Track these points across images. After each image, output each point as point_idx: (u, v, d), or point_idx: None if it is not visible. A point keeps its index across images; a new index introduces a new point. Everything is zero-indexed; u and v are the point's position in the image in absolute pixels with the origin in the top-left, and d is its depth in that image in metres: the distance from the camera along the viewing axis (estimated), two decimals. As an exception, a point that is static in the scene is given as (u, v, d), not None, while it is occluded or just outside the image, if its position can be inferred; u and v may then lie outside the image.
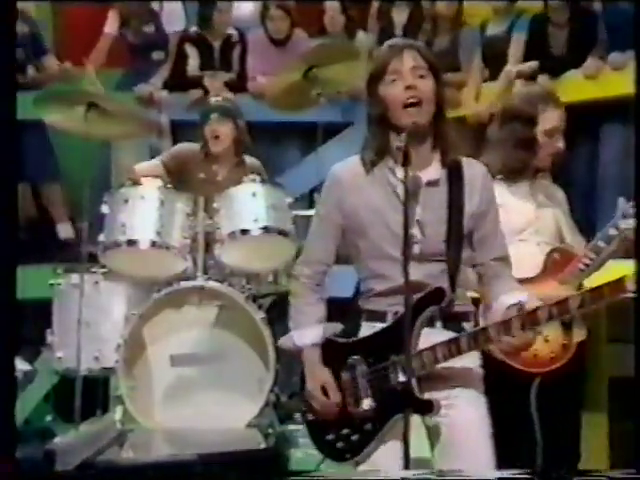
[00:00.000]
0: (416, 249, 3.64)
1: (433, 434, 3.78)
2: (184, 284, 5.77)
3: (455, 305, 3.73)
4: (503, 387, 5.20)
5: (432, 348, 3.63)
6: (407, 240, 3.45)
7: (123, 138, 6.89)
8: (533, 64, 7.30)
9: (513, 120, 5.14)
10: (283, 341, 3.97)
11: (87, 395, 5.96)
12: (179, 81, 8.01)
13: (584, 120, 6.85)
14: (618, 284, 3.72)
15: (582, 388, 5.53)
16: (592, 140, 7.07)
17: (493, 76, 7.49)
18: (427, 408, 3.62)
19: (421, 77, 3.67)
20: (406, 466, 3.42)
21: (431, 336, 3.66)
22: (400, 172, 3.60)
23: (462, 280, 3.80)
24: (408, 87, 3.63)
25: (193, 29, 8.18)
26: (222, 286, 5.76)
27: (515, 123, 5.12)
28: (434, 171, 3.73)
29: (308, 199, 6.74)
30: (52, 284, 6.23)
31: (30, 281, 6.71)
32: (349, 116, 7.84)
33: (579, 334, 5.08)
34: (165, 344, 5.75)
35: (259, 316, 5.71)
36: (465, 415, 3.76)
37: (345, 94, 7.73)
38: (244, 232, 5.73)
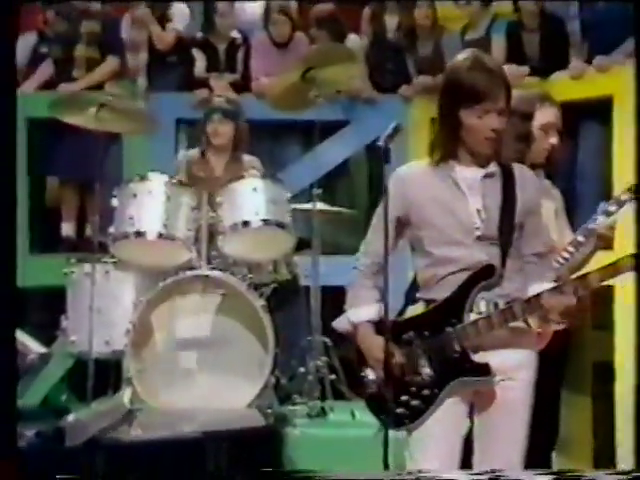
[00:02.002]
0: (477, 232, 3.79)
1: (477, 405, 3.92)
2: (189, 273, 5.86)
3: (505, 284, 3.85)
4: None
5: (488, 316, 3.78)
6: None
7: (130, 134, 6.94)
8: (524, 69, 7.36)
9: (511, 116, 5.23)
10: (337, 322, 4.08)
11: (101, 376, 6.08)
12: (186, 82, 8.04)
13: (568, 119, 6.90)
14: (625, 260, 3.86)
15: (561, 373, 5.57)
16: (573, 138, 7.10)
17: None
18: (484, 371, 3.77)
19: (502, 115, 3.86)
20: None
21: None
22: (460, 169, 3.85)
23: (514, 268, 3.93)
24: (495, 130, 3.82)
25: (199, 34, 8.24)
26: (224, 275, 5.85)
27: (513, 118, 5.18)
28: (491, 167, 3.89)
29: (307, 194, 6.76)
30: (66, 273, 6.29)
31: (46, 270, 6.83)
32: (347, 115, 7.85)
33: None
34: (171, 329, 5.84)
35: (259, 303, 5.80)
36: (523, 385, 3.94)
37: (343, 94, 7.74)
38: (245, 224, 5.82)
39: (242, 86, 8.04)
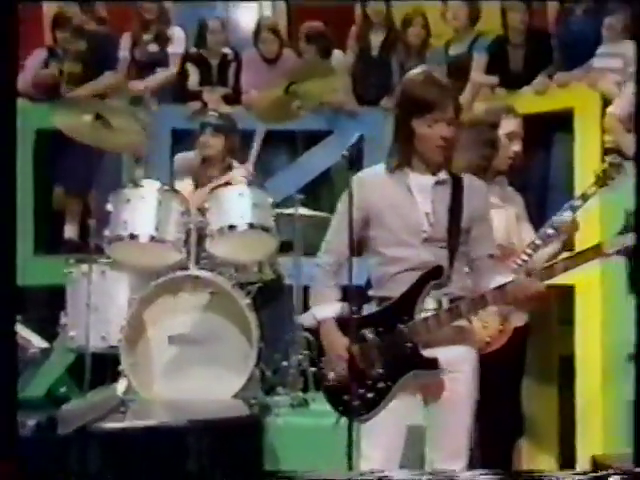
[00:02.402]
0: (424, 235, 3.85)
1: (427, 396, 3.97)
2: (179, 273, 5.85)
3: (453, 284, 3.91)
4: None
5: (436, 314, 3.84)
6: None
7: (121, 150, 6.93)
8: (493, 79, 7.38)
9: (478, 125, 5.27)
10: (304, 318, 4.13)
11: (100, 369, 6.11)
12: (180, 95, 8.05)
13: (536, 130, 6.92)
14: (598, 248, 3.95)
15: (521, 367, 5.55)
16: (543, 148, 7.12)
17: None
18: (432, 365, 3.83)
19: (451, 124, 3.88)
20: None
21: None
22: (414, 176, 3.90)
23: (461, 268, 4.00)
24: (444, 138, 3.85)
25: (193, 49, 8.23)
26: (212, 275, 5.85)
27: (480, 127, 5.23)
28: (442, 175, 3.94)
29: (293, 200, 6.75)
30: (65, 273, 6.30)
31: (49, 270, 6.82)
32: (330, 126, 7.84)
33: (517, 320, 5.17)
34: (163, 325, 5.82)
35: (245, 302, 5.80)
36: (466, 378, 4.00)
37: (327, 106, 7.74)
38: (232, 228, 5.80)
39: (233, 99, 8.04)
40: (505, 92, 7.28)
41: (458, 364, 3.93)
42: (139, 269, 6.07)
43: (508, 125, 5.15)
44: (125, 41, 8.13)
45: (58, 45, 8.11)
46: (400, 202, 3.86)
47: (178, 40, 8.15)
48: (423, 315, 3.83)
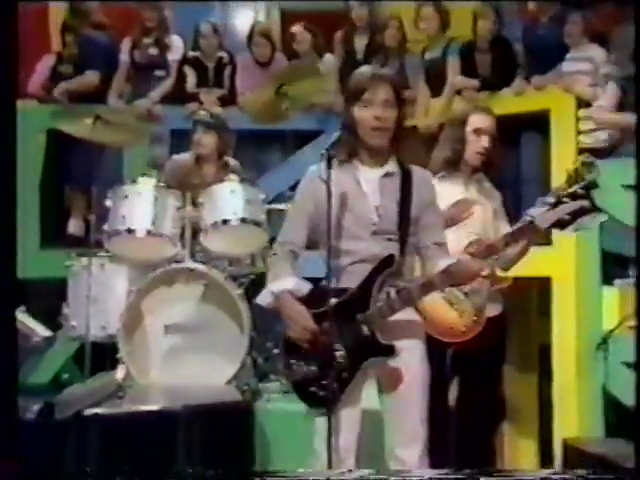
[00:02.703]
0: (374, 228, 3.84)
1: (384, 383, 3.96)
2: (175, 266, 5.84)
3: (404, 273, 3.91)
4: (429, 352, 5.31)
5: (389, 301, 3.82)
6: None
7: (123, 145, 6.93)
8: (474, 82, 7.38)
9: (452, 124, 5.29)
10: (260, 298, 4.08)
11: (101, 357, 6.12)
12: (179, 96, 8.02)
13: (512, 130, 6.92)
14: (532, 224, 4.00)
15: (497, 355, 5.56)
16: (518, 146, 7.12)
17: (435, 93, 7.54)
18: (390, 351, 3.81)
19: (389, 107, 3.86)
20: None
21: None
22: (363, 169, 3.90)
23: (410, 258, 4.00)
24: (376, 117, 3.82)
25: (191, 53, 8.20)
26: (206, 267, 5.83)
27: (452, 125, 5.26)
28: (390, 167, 3.93)
29: (286, 196, 6.74)
30: (67, 266, 6.28)
31: (53, 263, 6.80)
32: (321, 125, 7.82)
33: (492, 310, 5.17)
34: (159, 315, 5.81)
35: (236, 292, 5.78)
36: (412, 364, 3.96)
37: (318, 107, 7.76)
38: (225, 222, 5.79)
39: (229, 100, 8.03)
40: (486, 94, 7.26)
41: (409, 355, 3.91)
42: (137, 262, 6.04)
43: (475, 122, 5.19)
44: (126, 45, 8.11)
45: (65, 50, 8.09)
46: (350, 195, 3.83)
47: (177, 47, 8.16)
48: (378, 304, 3.81)
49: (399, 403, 3.93)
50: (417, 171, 4.01)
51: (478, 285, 4.98)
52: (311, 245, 4.08)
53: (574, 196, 3.83)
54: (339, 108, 7.73)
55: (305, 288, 3.92)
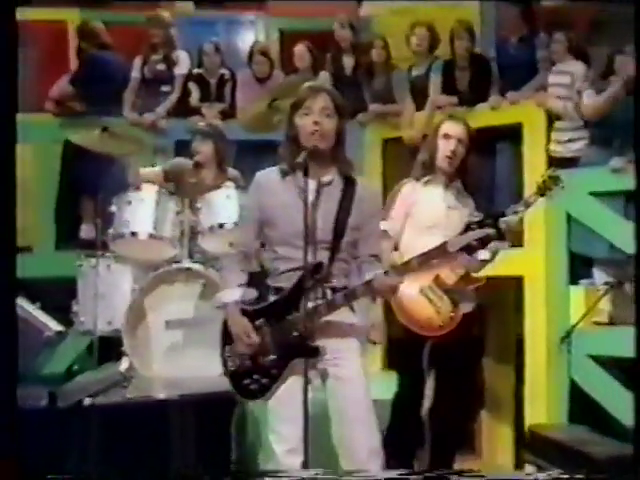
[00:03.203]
0: (308, 237, 3.70)
1: (325, 378, 3.90)
2: (174, 266, 5.79)
3: (334, 281, 3.83)
4: (404, 346, 5.29)
5: (316, 307, 3.75)
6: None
7: (127, 155, 6.90)
8: (453, 99, 7.32)
9: (429, 131, 5.30)
10: (214, 300, 4.08)
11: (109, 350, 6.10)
12: (183, 110, 7.97)
13: (488, 141, 6.92)
14: (443, 247, 3.93)
15: (472, 346, 5.54)
16: (493, 156, 7.08)
17: (419, 106, 7.47)
18: (315, 352, 3.72)
19: (327, 115, 3.79)
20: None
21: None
22: (301, 180, 3.76)
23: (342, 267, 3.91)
24: (315, 122, 3.75)
25: (195, 70, 8.16)
26: (203, 268, 5.78)
27: (429, 132, 5.27)
28: (330, 177, 3.83)
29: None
30: (77, 266, 6.25)
31: (64, 264, 6.77)
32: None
33: (466, 307, 5.15)
34: (161, 312, 5.76)
35: (231, 291, 5.74)
36: (350, 365, 3.89)
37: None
38: (221, 226, 5.75)
39: (229, 114, 7.99)
40: (465, 108, 7.19)
41: (345, 351, 3.87)
42: (140, 262, 6.01)
43: (446, 128, 5.21)
44: (137, 62, 8.07)
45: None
46: (289, 206, 3.75)
47: (183, 62, 8.09)
48: (307, 307, 3.73)
49: (339, 393, 3.87)
50: (362, 183, 3.92)
51: (454, 285, 4.98)
52: (262, 245, 4.06)
53: (482, 224, 3.80)
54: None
55: (251, 295, 3.94)
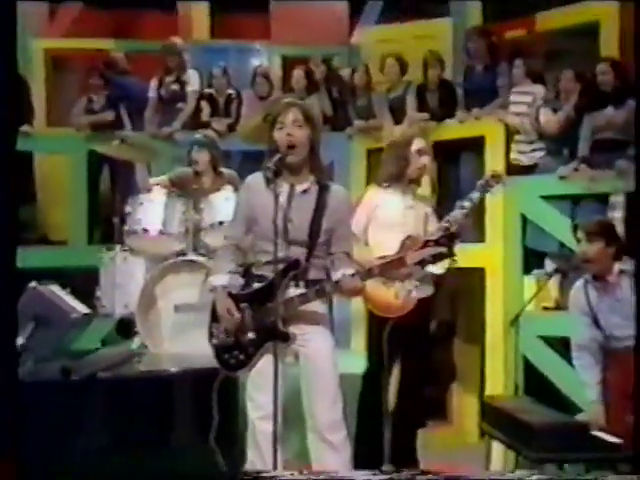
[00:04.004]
0: (286, 236, 3.73)
1: (297, 357, 3.89)
2: (180, 258, 5.76)
3: (311, 273, 3.80)
4: (369, 326, 5.25)
5: (291, 298, 3.75)
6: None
7: (140, 161, 6.88)
8: (426, 115, 7.29)
9: (396, 146, 5.22)
10: (206, 284, 4.07)
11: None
12: (196, 124, 7.91)
13: (453, 151, 6.98)
14: (402, 259, 3.85)
15: (427, 329, 5.48)
16: (457, 164, 7.03)
17: (397, 122, 7.43)
18: (285, 338, 3.73)
19: (299, 127, 3.74)
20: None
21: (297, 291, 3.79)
22: (285, 186, 3.76)
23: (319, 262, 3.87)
24: (288, 134, 3.71)
25: (206, 90, 8.13)
26: (206, 260, 5.72)
27: (397, 146, 5.20)
28: (306, 185, 3.79)
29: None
30: (100, 257, 6.24)
31: (92, 255, 6.73)
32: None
33: (423, 292, 5.10)
34: (169, 297, 5.71)
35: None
36: (318, 346, 3.86)
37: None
38: (220, 223, 5.72)
39: (235, 127, 7.96)
40: (435, 123, 7.18)
41: (314, 334, 3.84)
42: (151, 255, 5.96)
43: (418, 144, 5.13)
44: (153, 84, 8.02)
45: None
46: (271, 208, 3.66)
47: (194, 81, 8.03)
48: (284, 298, 3.73)
49: (310, 370, 3.86)
50: (334, 188, 3.88)
51: (410, 273, 4.93)
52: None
53: (437, 243, 3.76)
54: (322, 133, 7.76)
55: (237, 283, 3.91)
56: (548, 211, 6.19)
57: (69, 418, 4.22)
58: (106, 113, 7.89)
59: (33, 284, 5.28)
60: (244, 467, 3.87)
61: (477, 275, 6.64)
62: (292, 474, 3.47)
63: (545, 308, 6.21)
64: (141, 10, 9.52)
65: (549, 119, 6.47)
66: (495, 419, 4.60)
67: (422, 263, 3.78)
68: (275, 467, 3.51)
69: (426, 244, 3.76)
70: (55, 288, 5.55)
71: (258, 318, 3.78)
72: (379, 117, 7.59)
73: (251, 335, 3.78)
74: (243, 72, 8.80)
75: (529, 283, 6.26)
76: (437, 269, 4.84)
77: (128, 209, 5.86)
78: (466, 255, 6.49)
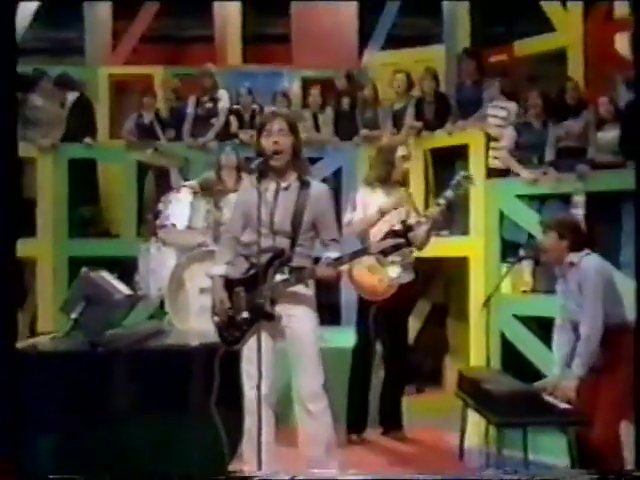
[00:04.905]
0: (272, 228, 3.67)
1: (285, 334, 3.78)
2: (204, 249, 5.64)
3: (294, 261, 3.69)
4: (360, 307, 5.13)
5: (277, 283, 3.67)
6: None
7: (170, 166, 6.81)
8: (419, 124, 7.14)
9: (384, 152, 5.11)
10: (208, 273, 3.99)
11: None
12: (226, 135, 7.77)
13: (447, 157, 6.79)
14: (367, 248, 3.78)
15: (408, 310, 5.44)
16: (453, 168, 6.72)
17: (398, 130, 7.29)
18: (270, 317, 3.64)
19: (283, 135, 3.64)
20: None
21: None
22: (270, 184, 3.70)
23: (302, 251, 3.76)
24: (274, 142, 3.62)
25: (234, 106, 8.02)
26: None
27: (385, 153, 5.09)
28: (288, 182, 3.71)
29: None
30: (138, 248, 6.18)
31: (137, 247, 6.67)
32: (320, 153, 7.56)
33: (406, 278, 4.99)
34: (195, 281, 5.58)
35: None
36: (300, 325, 3.74)
37: (318, 141, 7.63)
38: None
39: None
40: (428, 133, 7.07)
41: (299, 314, 3.75)
42: (179, 246, 5.85)
43: (402, 151, 5.05)
44: (191, 102, 7.94)
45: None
46: (258, 204, 3.60)
47: (224, 99, 7.94)
48: (272, 282, 3.66)
49: (296, 345, 3.76)
50: (314, 184, 3.80)
51: (392, 259, 4.83)
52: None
53: (395, 234, 3.67)
54: (333, 141, 7.65)
55: (233, 273, 3.82)
56: (521, 208, 6.10)
57: (95, 384, 4.11)
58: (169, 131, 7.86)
59: (84, 269, 5.22)
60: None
61: (462, 263, 6.52)
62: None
63: (524, 291, 6.13)
64: (185, 43, 9.61)
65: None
66: (467, 388, 4.46)
67: (384, 252, 3.66)
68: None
69: (386, 236, 3.64)
70: (104, 273, 5.47)
71: (251, 300, 3.68)
72: (382, 127, 7.46)
73: (245, 315, 3.71)
74: (268, 92, 8.69)
75: (505, 269, 6.10)
76: (395, 272, 4.81)
77: (160, 207, 5.81)
78: (453, 246, 6.47)
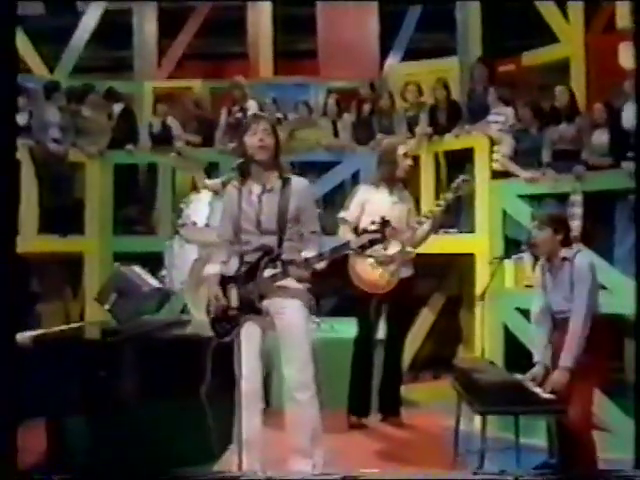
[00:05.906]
0: (259, 227, 3.53)
1: (277, 325, 3.62)
2: (221, 244, 5.54)
3: (284, 255, 3.53)
4: (359, 300, 4.92)
5: (267, 278, 3.51)
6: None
7: (191, 169, 6.68)
8: (429, 129, 6.91)
9: (386, 152, 4.93)
10: (204, 271, 3.82)
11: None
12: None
13: (456, 159, 6.56)
14: (348, 243, 3.52)
15: (408, 304, 5.21)
16: (459, 169, 6.41)
17: (412, 135, 7.05)
18: (259, 312, 3.51)
19: (267, 134, 3.53)
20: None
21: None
22: (255, 186, 3.57)
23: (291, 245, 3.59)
24: (260, 139, 3.50)
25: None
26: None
27: (387, 153, 4.88)
28: (271, 183, 3.57)
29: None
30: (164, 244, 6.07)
31: (158, 243, 6.52)
32: (339, 158, 7.30)
33: (405, 272, 4.81)
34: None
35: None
36: (291, 317, 3.58)
37: (335, 146, 7.34)
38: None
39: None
40: (438, 137, 6.83)
41: (290, 307, 3.58)
42: (199, 243, 5.73)
43: (402, 149, 4.94)
44: (223, 112, 7.81)
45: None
46: (246, 204, 3.54)
47: (253, 108, 7.73)
48: (262, 278, 3.51)
49: (286, 337, 3.60)
50: (295, 179, 3.64)
51: (392, 256, 4.62)
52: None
53: (374, 230, 3.45)
54: (350, 146, 7.41)
55: (230, 269, 3.66)
56: (523, 207, 5.85)
57: (109, 370, 3.97)
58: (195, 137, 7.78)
59: (117, 264, 5.16)
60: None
61: (470, 259, 6.29)
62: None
63: (527, 286, 5.79)
64: (222, 59, 9.58)
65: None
66: (459, 377, 4.22)
67: (363, 247, 3.45)
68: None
69: (364, 232, 3.44)
70: (136, 267, 5.38)
71: (242, 295, 3.53)
72: (398, 133, 7.21)
73: (236, 309, 3.54)
74: (296, 102, 8.53)
75: (509, 265, 5.90)
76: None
77: (182, 206, 5.71)
78: (461, 243, 6.24)
